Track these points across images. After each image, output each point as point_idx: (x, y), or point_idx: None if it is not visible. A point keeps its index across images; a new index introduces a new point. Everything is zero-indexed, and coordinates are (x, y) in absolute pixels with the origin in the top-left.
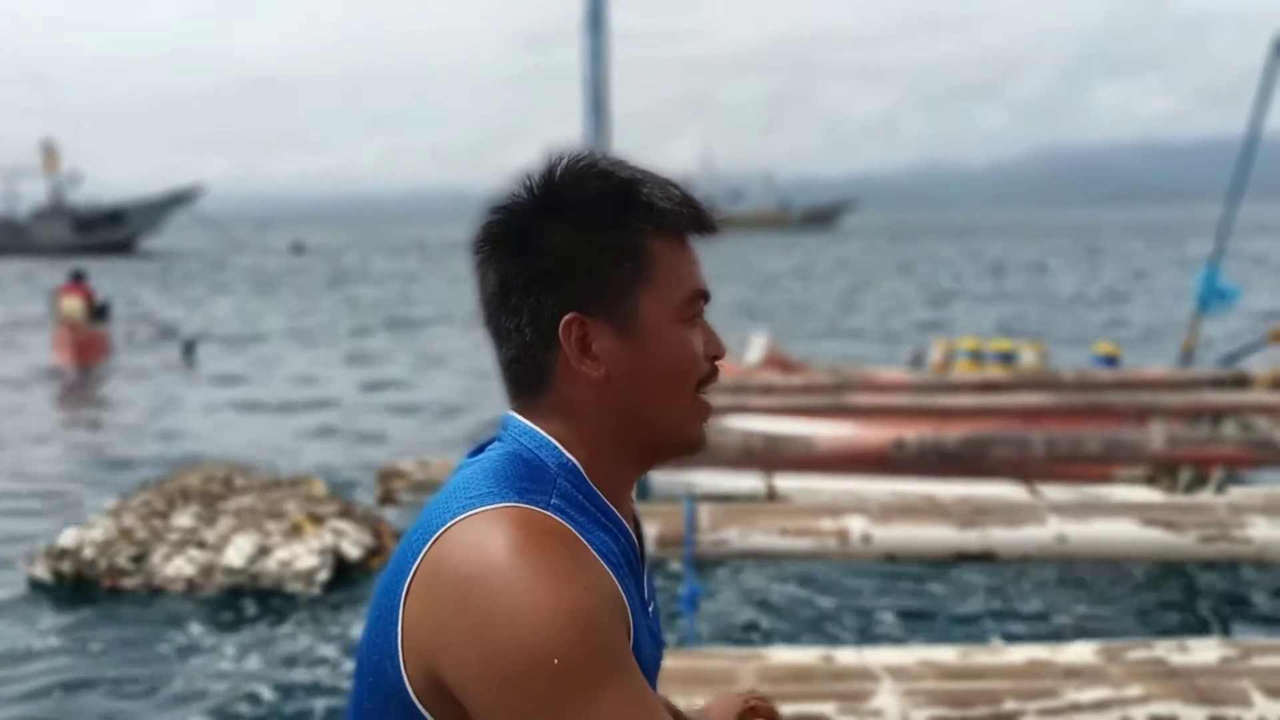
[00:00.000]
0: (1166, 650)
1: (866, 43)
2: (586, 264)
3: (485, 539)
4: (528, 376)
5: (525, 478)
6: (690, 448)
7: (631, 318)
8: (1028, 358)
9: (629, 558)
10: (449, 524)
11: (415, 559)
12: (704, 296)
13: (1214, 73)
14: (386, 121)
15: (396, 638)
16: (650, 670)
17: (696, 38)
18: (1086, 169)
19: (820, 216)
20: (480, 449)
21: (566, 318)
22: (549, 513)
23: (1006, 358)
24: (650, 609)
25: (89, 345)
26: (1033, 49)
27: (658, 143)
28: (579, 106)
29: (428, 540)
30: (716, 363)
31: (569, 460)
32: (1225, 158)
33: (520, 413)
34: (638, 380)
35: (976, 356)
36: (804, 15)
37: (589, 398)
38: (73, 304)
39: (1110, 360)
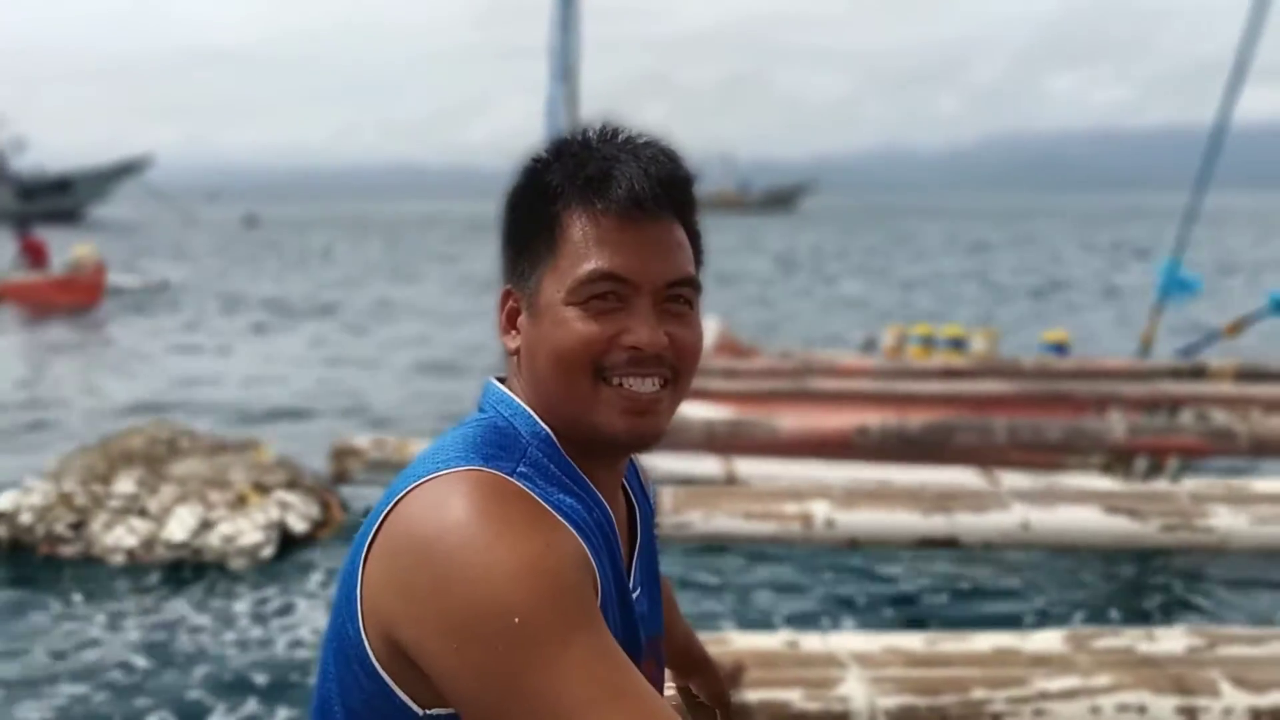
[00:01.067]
0: (1134, 639)
1: (824, 25)
2: (513, 238)
3: (443, 501)
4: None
5: (494, 444)
6: (610, 440)
7: (535, 294)
8: (979, 344)
9: (604, 531)
10: (410, 487)
11: (376, 522)
12: (611, 278)
13: (1167, 63)
14: (338, 94)
15: (357, 600)
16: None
17: (655, 17)
18: (1040, 156)
19: (780, 199)
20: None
21: (503, 289)
22: (512, 478)
23: (958, 344)
24: (636, 593)
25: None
26: (989, 36)
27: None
28: (540, 80)
29: (389, 503)
30: (635, 351)
31: (542, 429)
32: (1176, 146)
33: (503, 377)
34: (533, 358)
35: (928, 342)
36: None
37: (521, 370)
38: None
39: (1060, 348)
